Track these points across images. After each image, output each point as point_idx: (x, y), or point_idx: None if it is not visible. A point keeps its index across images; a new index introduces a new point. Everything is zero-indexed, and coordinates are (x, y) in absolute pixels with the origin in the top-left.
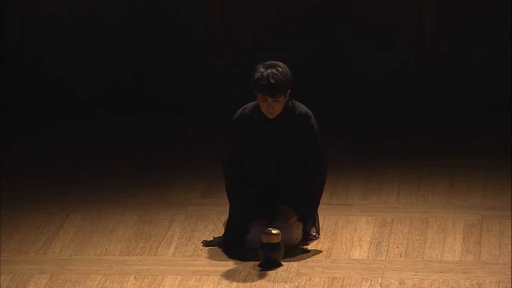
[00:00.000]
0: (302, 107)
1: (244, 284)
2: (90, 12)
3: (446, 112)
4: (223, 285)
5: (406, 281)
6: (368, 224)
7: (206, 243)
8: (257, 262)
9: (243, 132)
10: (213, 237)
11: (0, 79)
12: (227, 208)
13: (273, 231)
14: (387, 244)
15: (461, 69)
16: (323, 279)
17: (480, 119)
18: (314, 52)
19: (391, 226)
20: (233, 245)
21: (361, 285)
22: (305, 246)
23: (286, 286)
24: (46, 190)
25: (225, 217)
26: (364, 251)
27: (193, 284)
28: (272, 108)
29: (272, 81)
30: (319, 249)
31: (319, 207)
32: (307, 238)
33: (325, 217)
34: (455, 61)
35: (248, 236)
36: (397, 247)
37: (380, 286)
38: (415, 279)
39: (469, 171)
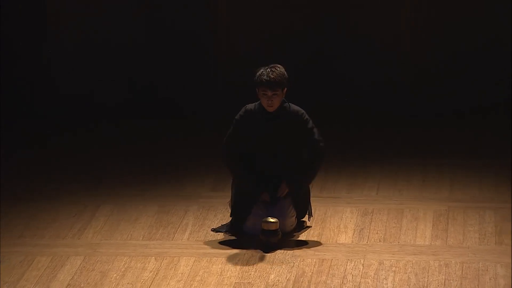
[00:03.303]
0: (296, 107)
1: (247, 265)
2: (107, 26)
3: (421, 116)
4: (230, 265)
5: (384, 262)
6: (352, 214)
7: (215, 230)
8: (259, 246)
9: (245, 128)
10: (221, 225)
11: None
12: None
13: (272, 220)
14: (368, 230)
15: (439, 77)
16: (314, 260)
17: (450, 123)
18: (308, 61)
19: (372, 215)
20: (238, 229)
21: (346, 265)
22: (299, 233)
23: (283, 266)
24: (79, 185)
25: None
26: (349, 236)
27: (204, 265)
28: (271, 101)
29: (272, 76)
30: (310, 235)
31: (312, 198)
32: (301, 226)
33: (316, 207)
34: (432, 69)
35: (249, 225)
36: (377, 233)
37: (363, 266)
38: (392, 260)
39: (438, 169)
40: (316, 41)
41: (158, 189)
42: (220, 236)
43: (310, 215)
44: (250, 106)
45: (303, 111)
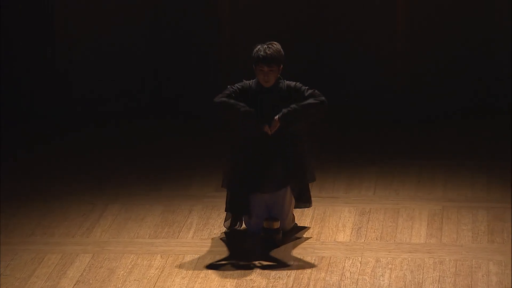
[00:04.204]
0: (290, 81)
1: (250, 262)
2: (107, 27)
3: (414, 120)
4: (233, 262)
5: (381, 259)
6: (350, 213)
7: (228, 227)
8: (261, 244)
9: (239, 100)
10: (230, 221)
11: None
12: None
13: (273, 218)
14: (365, 229)
15: (427, 82)
16: (313, 258)
17: (449, 123)
18: (308, 61)
19: (369, 214)
20: (238, 217)
21: (345, 262)
22: (299, 231)
23: (283, 263)
24: (87, 185)
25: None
26: (347, 235)
27: (208, 262)
28: (268, 76)
29: (269, 52)
30: (310, 233)
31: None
32: (299, 226)
33: (315, 207)
34: (423, 75)
35: (251, 223)
36: (374, 231)
37: (360, 264)
38: (388, 258)
39: (433, 170)
40: (316, 41)
41: (163, 189)
42: (224, 234)
43: (313, 179)
44: (248, 81)
45: (296, 82)
